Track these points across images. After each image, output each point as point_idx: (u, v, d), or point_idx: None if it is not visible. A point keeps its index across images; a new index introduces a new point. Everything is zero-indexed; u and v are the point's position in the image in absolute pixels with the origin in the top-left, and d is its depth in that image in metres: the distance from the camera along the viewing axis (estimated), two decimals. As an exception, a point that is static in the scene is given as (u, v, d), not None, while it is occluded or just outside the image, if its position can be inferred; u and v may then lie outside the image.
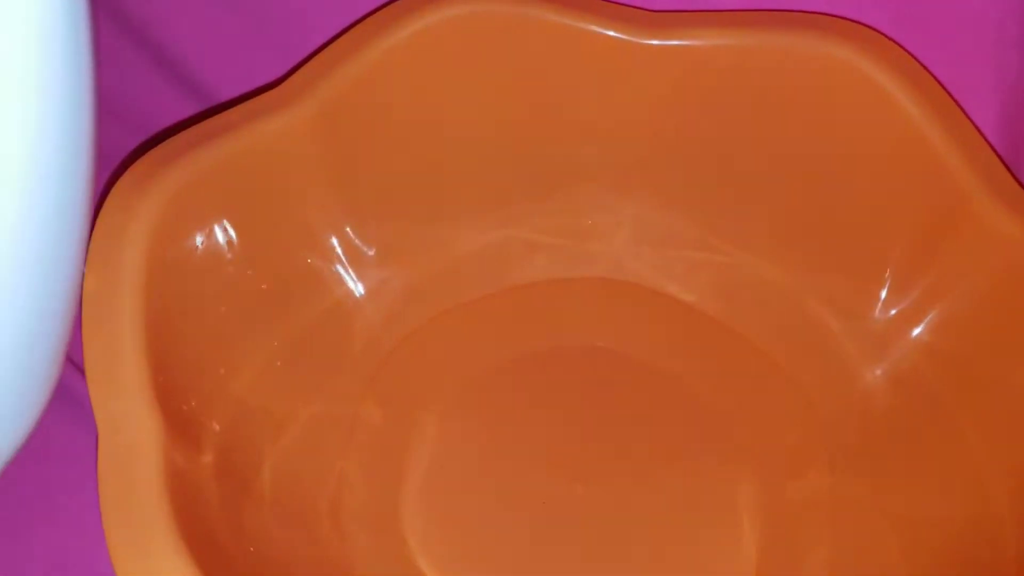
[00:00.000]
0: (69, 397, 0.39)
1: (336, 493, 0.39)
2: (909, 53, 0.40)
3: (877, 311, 0.41)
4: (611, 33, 0.41)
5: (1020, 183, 0.38)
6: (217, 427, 0.36)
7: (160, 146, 0.37)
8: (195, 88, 0.44)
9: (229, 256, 0.38)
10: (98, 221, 0.34)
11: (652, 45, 0.41)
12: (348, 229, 0.42)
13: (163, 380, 0.33)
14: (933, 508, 0.37)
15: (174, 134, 0.37)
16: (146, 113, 0.44)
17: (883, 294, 0.41)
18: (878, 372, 0.41)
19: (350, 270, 0.42)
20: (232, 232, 0.38)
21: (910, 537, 0.37)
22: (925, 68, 0.40)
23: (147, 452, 0.30)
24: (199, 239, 0.37)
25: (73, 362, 0.39)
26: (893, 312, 0.41)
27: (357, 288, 0.42)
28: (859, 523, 0.38)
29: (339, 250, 0.41)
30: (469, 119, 0.43)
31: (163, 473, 0.30)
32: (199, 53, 0.43)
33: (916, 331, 0.41)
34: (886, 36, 0.41)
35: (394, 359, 0.42)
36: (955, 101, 0.40)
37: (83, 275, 0.32)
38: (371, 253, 0.42)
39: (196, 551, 0.29)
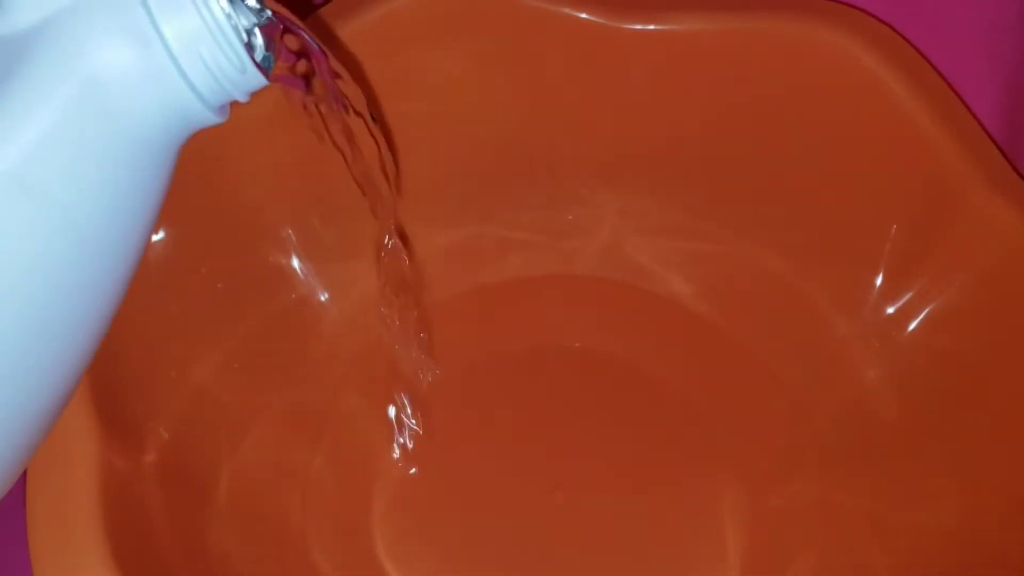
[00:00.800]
0: None
1: (302, 499, 0.37)
2: (903, 37, 0.38)
3: (871, 305, 0.39)
4: (587, 17, 0.39)
5: (1018, 171, 0.36)
6: (165, 434, 0.34)
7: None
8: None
9: (179, 254, 0.36)
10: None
11: (630, 29, 0.39)
12: (312, 222, 0.40)
13: (103, 384, 0.31)
14: (923, 514, 0.36)
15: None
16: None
17: (877, 286, 0.39)
18: (870, 371, 0.39)
19: (312, 267, 0.40)
20: (182, 227, 0.35)
21: (898, 545, 0.36)
22: (919, 52, 0.38)
23: (81, 456, 0.29)
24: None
25: None
26: (889, 308, 0.39)
27: (320, 287, 0.41)
28: (846, 531, 0.36)
29: (300, 246, 0.40)
30: (437, 106, 0.41)
31: (98, 479, 0.29)
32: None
33: (912, 326, 0.39)
34: (879, 20, 0.39)
35: (361, 360, 0.41)
36: (951, 87, 0.38)
37: None
38: (335, 249, 0.40)
39: (128, 561, 0.27)
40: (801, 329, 0.41)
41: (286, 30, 0.25)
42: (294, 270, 0.40)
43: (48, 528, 0.27)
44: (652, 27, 0.39)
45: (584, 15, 0.39)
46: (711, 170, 0.42)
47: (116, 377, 0.32)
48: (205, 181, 0.36)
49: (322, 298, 0.41)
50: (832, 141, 0.39)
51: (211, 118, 0.23)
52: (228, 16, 0.22)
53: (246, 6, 0.23)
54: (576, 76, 0.41)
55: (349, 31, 0.38)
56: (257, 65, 0.23)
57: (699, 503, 0.38)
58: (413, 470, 0.39)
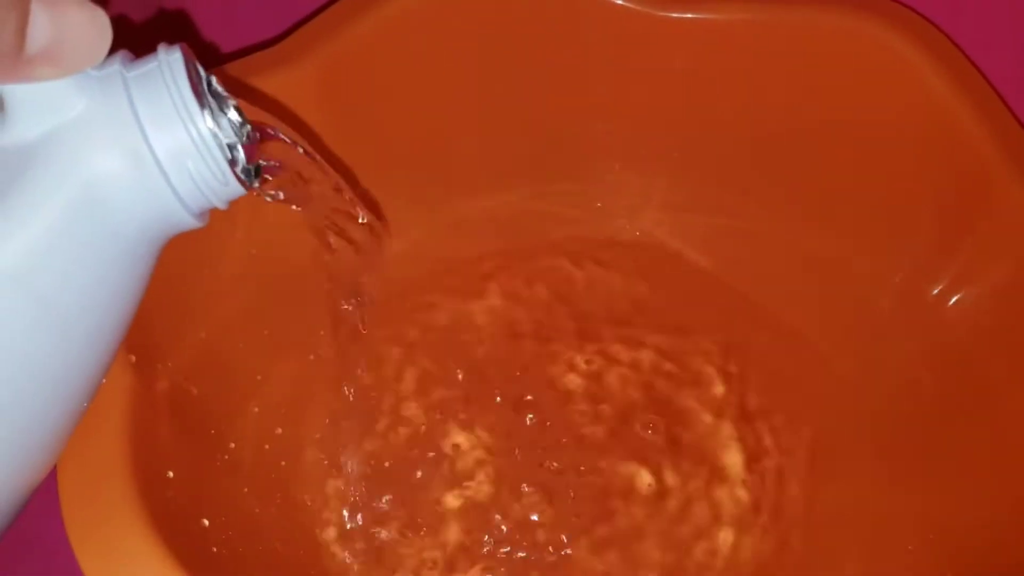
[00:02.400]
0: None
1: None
2: (936, 26, 0.38)
3: (898, 285, 0.39)
4: (626, 4, 0.39)
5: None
6: (195, 390, 0.34)
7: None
8: (192, 42, 0.43)
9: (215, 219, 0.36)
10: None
11: (669, 17, 0.39)
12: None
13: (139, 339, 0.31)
14: (970, 509, 0.35)
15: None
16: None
17: (911, 271, 0.39)
18: (914, 351, 0.39)
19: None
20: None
21: (939, 542, 0.35)
22: (951, 41, 0.38)
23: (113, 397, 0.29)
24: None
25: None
26: (931, 287, 0.39)
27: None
28: (894, 529, 0.36)
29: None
30: (474, 88, 0.41)
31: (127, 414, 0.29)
32: (197, 6, 0.42)
33: (953, 305, 0.38)
34: (918, 14, 0.39)
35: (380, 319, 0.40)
36: (984, 77, 0.37)
37: None
38: (363, 218, 0.40)
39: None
40: (844, 308, 0.40)
41: (265, 138, 0.27)
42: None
43: (77, 473, 0.28)
44: (690, 15, 0.39)
45: (626, 3, 0.39)
46: (747, 160, 0.42)
47: (151, 335, 0.32)
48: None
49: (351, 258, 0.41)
50: (869, 129, 0.39)
51: (193, 223, 0.25)
52: (214, 135, 0.24)
53: (229, 121, 0.25)
54: (613, 63, 0.41)
55: (385, 11, 0.39)
56: (238, 178, 0.25)
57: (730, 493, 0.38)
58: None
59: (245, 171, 0.26)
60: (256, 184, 0.26)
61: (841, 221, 0.41)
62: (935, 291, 0.38)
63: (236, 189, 0.26)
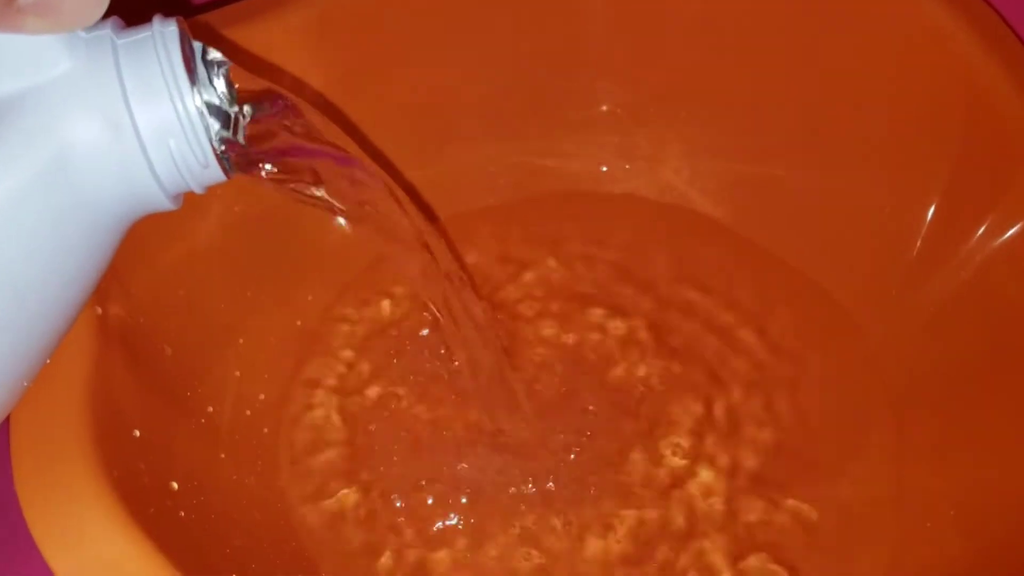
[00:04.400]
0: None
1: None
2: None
3: (930, 228, 0.36)
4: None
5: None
6: (169, 349, 0.33)
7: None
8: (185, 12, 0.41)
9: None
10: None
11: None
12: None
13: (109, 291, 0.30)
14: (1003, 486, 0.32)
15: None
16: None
17: (945, 210, 0.36)
18: (941, 301, 0.36)
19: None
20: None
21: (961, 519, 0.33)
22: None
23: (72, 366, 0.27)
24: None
25: None
26: (959, 237, 0.35)
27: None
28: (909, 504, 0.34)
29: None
30: (473, 42, 0.39)
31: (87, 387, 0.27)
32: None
33: (992, 248, 0.35)
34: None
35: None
36: (1011, 28, 0.35)
37: None
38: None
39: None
40: (866, 259, 0.38)
41: (266, 109, 0.25)
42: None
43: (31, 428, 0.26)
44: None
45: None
46: (757, 114, 0.40)
47: (115, 290, 0.31)
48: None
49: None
50: (891, 78, 0.37)
51: (166, 204, 0.24)
52: (201, 114, 0.23)
53: (220, 97, 0.24)
54: (615, 17, 0.39)
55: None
56: (220, 162, 0.24)
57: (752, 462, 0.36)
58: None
59: (228, 154, 0.24)
60: (235, 173, 0.25)
61: (864, 157, 0.38)
62: (978, 232, 0.35)
63: (216, 174, 0.24)
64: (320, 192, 0.27)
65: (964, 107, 0.35)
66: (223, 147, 0.24)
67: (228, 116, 0.24)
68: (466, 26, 0.39)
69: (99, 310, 0.29)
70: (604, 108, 0.41)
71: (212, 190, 0.35)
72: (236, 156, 0.24)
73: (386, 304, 0.39)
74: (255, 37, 0.36)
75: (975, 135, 0.35)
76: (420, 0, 0.38)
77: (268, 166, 0.25)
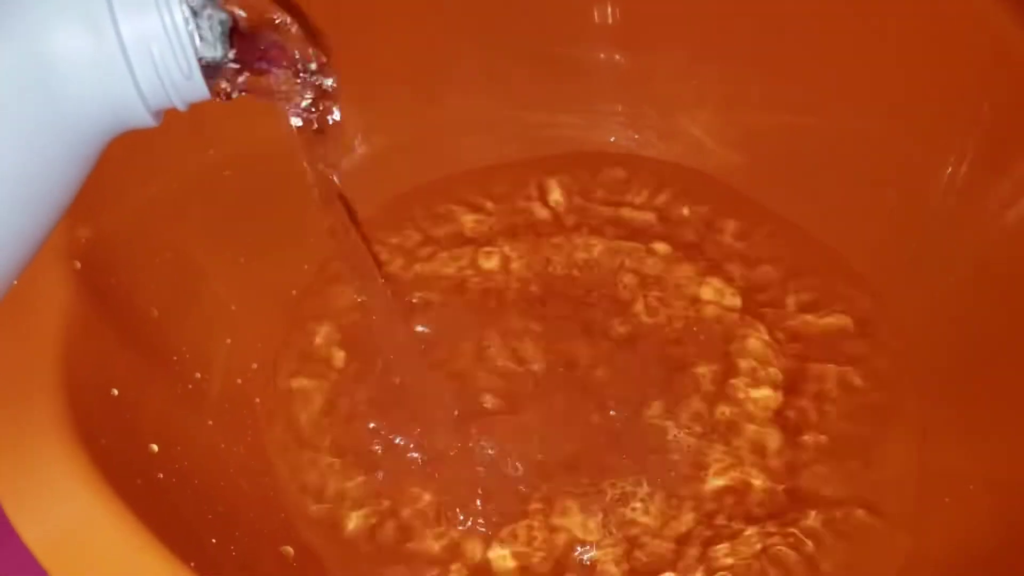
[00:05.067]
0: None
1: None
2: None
3: (946, 189, 0.35)
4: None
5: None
6: (155, 311, 0.32)
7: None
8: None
9: (191, 134, 0.33)
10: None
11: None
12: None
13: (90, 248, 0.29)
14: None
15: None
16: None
17: (963, 171, 0.34)
18: (959, 266, 0.34)
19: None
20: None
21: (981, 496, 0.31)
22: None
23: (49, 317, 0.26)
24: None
25: None
26: (977, 197, 0.34)
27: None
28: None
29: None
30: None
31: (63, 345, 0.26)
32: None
33: (991, 228, 0.33)
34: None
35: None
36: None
37: None
38: (351, 133, 0.38)
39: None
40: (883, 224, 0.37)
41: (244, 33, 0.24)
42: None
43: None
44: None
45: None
46: (778, 58, 0.38)
47: (104, 249, 0.30)
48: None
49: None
50: (912, 38, 0.35)
51: (146, 119, 0.23)
52: (187, 21, 0.22)
53: (208, 10, 0.23)
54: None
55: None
56: (204, 74, 0.23)
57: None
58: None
59: (214, 67, 0.23)
60: (225, 86, 0.24)
61: (882, 118, 0.36)
62: (999, 196, 0.33)
63: (199, 88, 0.23)
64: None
65: (986, 67, 0.33)
66: (207, 57, 0.23)
67: (216, 28, 0.23)
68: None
69: (78, 264, 0.28)
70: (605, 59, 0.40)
71: (206, 154, 0.35)
72: (219, 70, 0.24)
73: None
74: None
75: (997, 97, 0.33)
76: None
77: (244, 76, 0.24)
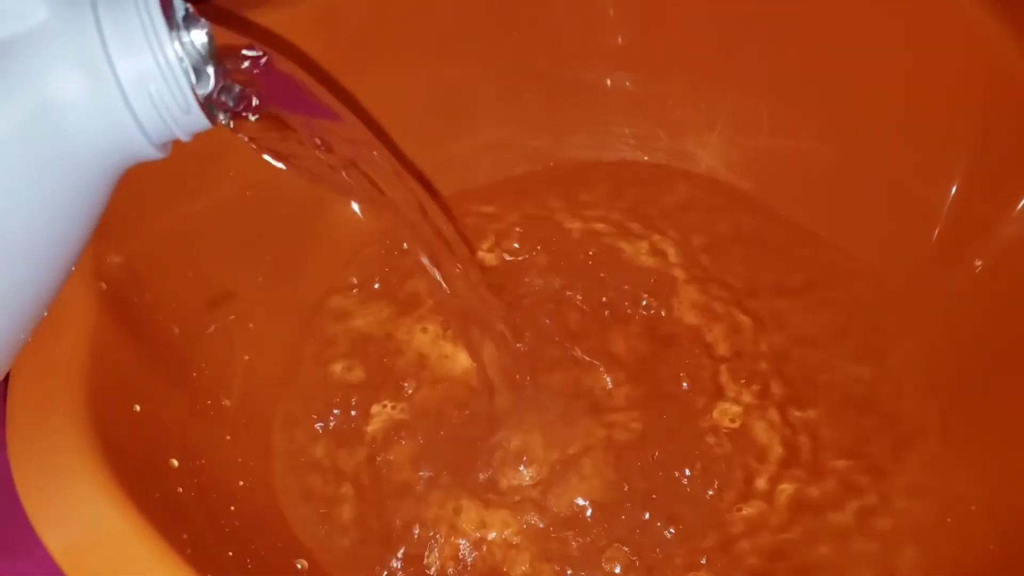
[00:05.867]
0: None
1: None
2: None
3: (947, 215, 0.35)
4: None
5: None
6: (176, 329, 0.33)
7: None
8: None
9: (211, 159, 0.34)
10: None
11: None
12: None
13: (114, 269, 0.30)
14: None
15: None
16: None
17: (954, 190, 0.35)
18: (975, 273, 0.35)
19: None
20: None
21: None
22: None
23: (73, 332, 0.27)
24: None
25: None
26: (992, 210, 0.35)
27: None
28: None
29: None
30: (484, 26, 0.39)
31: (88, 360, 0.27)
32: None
33: (996, 241, 0.34)
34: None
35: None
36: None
37: None
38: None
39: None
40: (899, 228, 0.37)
41: (248, 66, 0.25)
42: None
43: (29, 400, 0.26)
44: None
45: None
46: (786, 79, 0.39)
47: (129, 270, 0.31)
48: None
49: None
50: (914, 57, 0.36)
51: (152, 153, 0.24)
52: (180, 59, 0.23)
53: (198, 46, 0.24)
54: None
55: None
56: (203, 107, 0.24)
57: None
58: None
59: (212, 100, 0.24)
60: (223, 119, 0.25)
61: (888, 132, 0.37)
62: (1005, 208, 0.34)
63: (200, 119, 0.24)
64: (304, 149, 0.26)
65: (987, 86, 0.34)
66: (205, 92, 0.24)
67: (208, 62, 0.24)
68: (479, 15, 0.39)
69: (103, 286, 0.29)
70: (619, 90, 0.41)
71: (222, 177, 0.36)
72: (219, 103, 0.24)
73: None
74: (264, 25, 0.36)
75: (998, 112, 0.34)
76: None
77: (251, 116, 0.25)
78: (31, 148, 0.22)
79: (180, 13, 0.24)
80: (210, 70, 0.24)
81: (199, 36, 0.23)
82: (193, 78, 0.23)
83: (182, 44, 0.23)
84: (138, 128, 0.23)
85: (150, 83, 0.23)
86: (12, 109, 0.22)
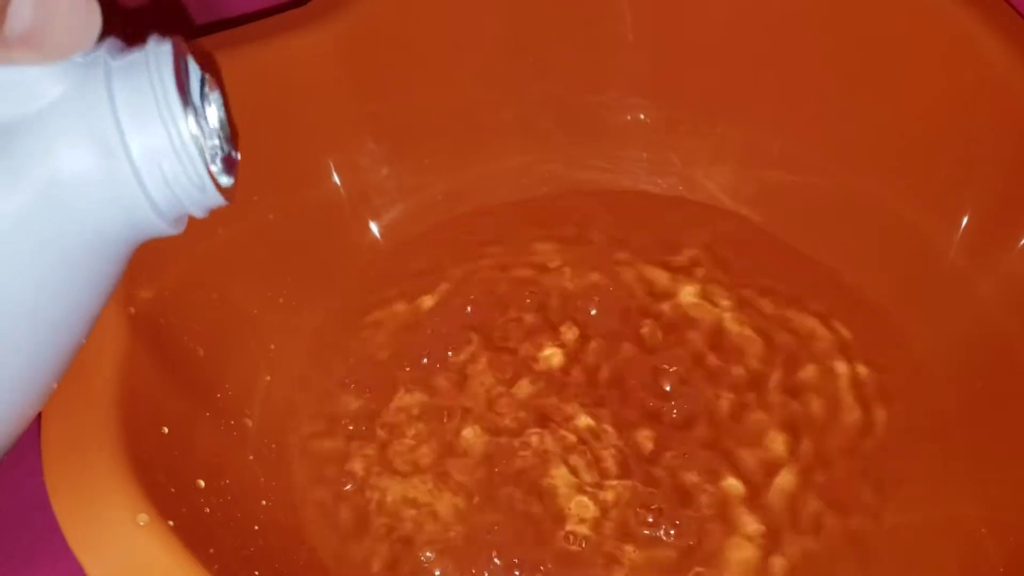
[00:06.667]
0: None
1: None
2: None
3: (958, 245, 0.36)
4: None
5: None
6: (201, 351, 0.33)
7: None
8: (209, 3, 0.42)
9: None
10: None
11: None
12: (368, 147, 0.39)
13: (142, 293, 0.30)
14: None
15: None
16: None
17: (964, 225, 0.36)
18: (987, 302, 0.35)
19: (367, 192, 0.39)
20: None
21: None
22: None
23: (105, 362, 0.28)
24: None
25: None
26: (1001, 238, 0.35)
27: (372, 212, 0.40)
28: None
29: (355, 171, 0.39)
30: (504, 52, 0.40)
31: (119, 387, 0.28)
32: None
33: (1006, 273, 0.35)
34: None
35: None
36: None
37: None
38: (388, 178, 0.40)
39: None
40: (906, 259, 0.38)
41: None
42: (343, 199, 0.39)
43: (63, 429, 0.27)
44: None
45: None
46: (792, 109, 0.40)
47: (148, 292, 0.31)
48: (260, 108, 0.35)
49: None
50: (920, 89, 0.37)
51: (165, 229, 0.24)
52: (195, 138, 0.23)
53: (213, 122, 0.23)
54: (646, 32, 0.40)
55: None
56: (218, 187, 0.23)
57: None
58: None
59: (226, 177, 0.24)
60: (225, 182, 0.24)
61: (891, 165, 0.38)
62: (1015, 241, 0.34)
63: (215, 197, 0.24)
64: None
65: (999, 119, 0.35)
66: (220, 169, 0.24)
67: (223, 139, 0.24)
68: (495, 40, 0.40)
69: (132, 310, 0.30)
70: (633, 118, 0.42)
71: (245, 202, 0.36)
72: (228, 160, 0.24)
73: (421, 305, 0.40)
74: (290, 44, 0.36)
75: (1009, 146, 0.35)
76: (447, 17, 0.39)
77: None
78: (45, 224, 0.22)
79: (196, 82, 0.23)
80: (225, 146, 0.24)
81: (213, 114, 0.23)
82: (208, 157, 0.23)
83: (198, 120, 0.23)
84: (150, 205, 0.23)
85: (163, 161, 0.22)
86: (26, 187, 0.22)
